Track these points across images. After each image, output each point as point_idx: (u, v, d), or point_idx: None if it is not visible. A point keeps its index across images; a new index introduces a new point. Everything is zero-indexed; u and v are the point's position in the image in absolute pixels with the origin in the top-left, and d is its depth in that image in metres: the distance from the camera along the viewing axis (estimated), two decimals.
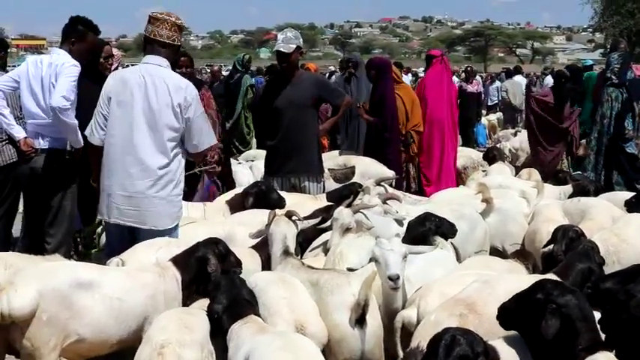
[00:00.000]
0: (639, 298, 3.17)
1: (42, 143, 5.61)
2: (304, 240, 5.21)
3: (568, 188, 7.32)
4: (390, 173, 7.39)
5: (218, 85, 13.44)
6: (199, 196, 6.75)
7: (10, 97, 5.78)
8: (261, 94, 7.33)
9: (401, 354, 3.79)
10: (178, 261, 4.06)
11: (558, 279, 3.68)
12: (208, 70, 23.82)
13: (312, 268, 4.27)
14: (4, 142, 6.09)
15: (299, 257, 4.73)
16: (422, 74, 13.86)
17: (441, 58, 9.15)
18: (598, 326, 3.16)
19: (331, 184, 7.09)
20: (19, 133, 5.64)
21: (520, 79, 18.67)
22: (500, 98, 18.85)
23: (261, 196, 5.96)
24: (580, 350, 2.99)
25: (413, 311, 3.85)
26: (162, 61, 4.79)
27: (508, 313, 3.25)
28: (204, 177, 6.91)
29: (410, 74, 23.59)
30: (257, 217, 5.23)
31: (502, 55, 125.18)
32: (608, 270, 4.26)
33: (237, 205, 5.98)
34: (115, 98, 4.71)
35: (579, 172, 8.97)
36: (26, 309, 3.44)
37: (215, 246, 4.14)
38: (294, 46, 6.56)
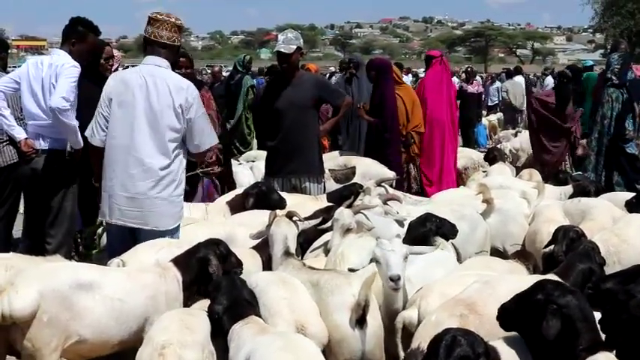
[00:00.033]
0: (639, 299, 3.17)
1: (42, 144, 5.63)
2: (305, 241, 5.20)
3: (568, 189, 7.31)
4: (391, 174, 7.40)
5: (219, 86, 13.45)
6: (199, 197, 6.75)
7: (10, 98, 5.79)
8: (262, 94, 7.32)
9: (402, 354, 3.79)
10: (179, 262, 4.07)
11: (559, 279, 3.68)
12: (209, 71, 23.82)
13: (313, 268, 4.27)
14: (4, 143, 6.09)
15: (300, 258, 4.73)
16: (422, 75, 13.85)
17: (440, 58, 9.15)
18: (598, 326, 3.17)
19: (332, 185, 7.09)
20: (19, 134, 5.65)
21: (521, 80, 18.67)
22: (500, 99, 18.86)
23: (262, 197, 5.96)
24: (580, 351, 2.99)
25: (414, 312, 3.85)
26: (162, 62, 4.80)
27: (508, 314, 3.24)
28: (203, 177, 6.91)
29: (410, 75, 23.60)
30: (258, 218, 5.24)
31: (502, 55, 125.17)
32: (608, 270, 4.26)
33: (237, 206, 5.98)
34: (116, 99, 4.72)
35: (580, 173, 8.97)
36: (27, 310, 3.45)
37: (216, 247, 4.14)
38: (295, 47, 6.56)
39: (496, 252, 5.88)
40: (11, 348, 3.62)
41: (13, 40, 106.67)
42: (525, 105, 16.83)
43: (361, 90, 9.17)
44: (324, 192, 6.70)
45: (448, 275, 4.31)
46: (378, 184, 6.47)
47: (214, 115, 6.97)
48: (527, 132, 12.75)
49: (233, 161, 8.47)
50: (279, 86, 6.79)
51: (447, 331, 2.97)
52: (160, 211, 4.72)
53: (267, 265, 4.57)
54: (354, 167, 7.56)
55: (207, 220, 5.71)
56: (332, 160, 7.83)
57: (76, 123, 5.47)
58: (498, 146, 12.09)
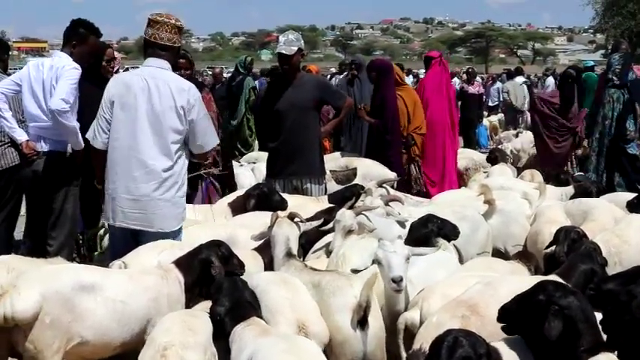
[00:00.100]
0: None
1: (44, 146, 5.63)
2: (307, 242, 5.21)
3: (570, 189, 7.31)
4: (392, 175, 7.40)
5: (220, 88, 13.45)
6: (199, 198, 6.75)
7: (12, 101, 5.80)
8: (263, 96, 7.33)
9: (404, 356, 3.80)
10: (181, 263, 4.07)
11: (561, 280, 3.68)
12: (210, 73, 23.84)
13: (315, 269, 4.27)
14: (6, 145, 6.10)
15: (301, 259, 4.73)
16: (423, 76, 13.85)
17: (439, 59, 9.16)
18: (600, 327, 3.17)
19: (333, 186, 7.09)
20: (21, 136, 5.66)
21: (521, 80, 18.65)
22: (501, 99, 18.85)
23: (263, 198, 5.96)
24: (582, 351, 3.00)
25: (416, 313, 3.85)
26: (163, 64, 4.81)
27: (509, 315, 3.25)
28: (203, 179, 6.90)
29: (411, 76, 23.59)
30: (259, 219, 5.24)
31: (503, 56, 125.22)
32: (610, 271, 4.27)
33: (239, 208, 5.98)
34: (118, 102, 4.72)
35: (581, 174, 8.97)
36: (29, 312, 3.44)
37: (218, 248, 4.14)
38: (296, 48, 6.56)
39: (498, 253, 5.88)
40: (13, 350, 3.62)
41: (14, 42, 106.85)
42: (527, 106, 16.92)
43: (363, 91, 9.18)
44: (325, 193, 6.70)
45: (450, 276, 4.32)
46: (380, 185, 6.48)
47: (215, 116, 6.98)
48: (528, 133, 12.77)
49: (234, 163, 8.48)
50: (280, 87, 6.79)
51: (448, 332, 2.98)
52: (164, 213, 4.72)
53: (269, 267, 4.57)
54: (355, 168, 7.56)
55: (209, 222, 5.71)
56: (333, 161, 7.84)
57: (76, 124, 5.48)
58: (499, 147, 12.09)
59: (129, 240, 4.72)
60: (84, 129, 5.22)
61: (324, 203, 6.11)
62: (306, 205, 5.95)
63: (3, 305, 3.42)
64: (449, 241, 4.99)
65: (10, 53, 7.40)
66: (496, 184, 7.15)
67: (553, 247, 5.04)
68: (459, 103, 16.03)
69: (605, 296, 3.43)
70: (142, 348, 3.43)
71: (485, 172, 9.05)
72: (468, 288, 3.74)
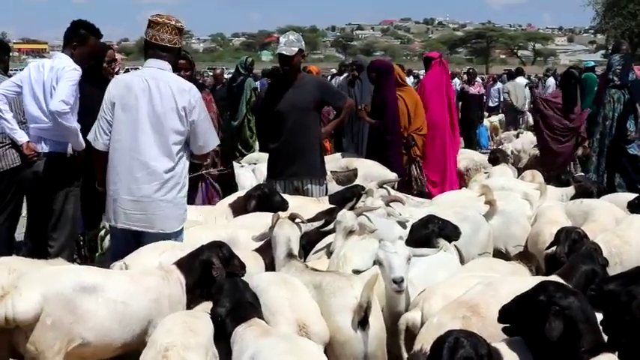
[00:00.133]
0: None
1: (44, 147, 5.64)
2: (307, 243, 5.20)
3: (570, 190, 7.31)
4: (393, 176, 7.40)
5: (221, 89, 13.45)
6: (200, 199, 6.75)
7: (13, 102, 5.81)
8: (264, 97, 7.33)
9: (405, 356, 3.80)
10: (182, 264, 4.07)
11: (562, 281, 3.68)
12: (210, 74, 23.85)
13: (316, 270, 4.27)
14: (7, 147, 6.10)
15: (302, 260, 4.73)
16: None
17: (439, 59, 9.16)
18: (600, 328, 3.17)
19: (334, 187, 7.09)
20: (21, 137, 5.67)
21: (522, 81, 18.67)
22: (501, 100, 18.85)
23: (264, 199, 5.96)
24: (583, 352, 3.00)
25: (417, 314, 3.85)
26: (164, 65, 4.81)
27: (510, 315, 3.25)
28: (204, 180, 6.91)
29: (412, 76, 23.60)
30: (260, 220, 5.24)
31: (504, 56, 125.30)
32: (610, 271, 4.27)
33: (239, 208, 5.98)
34: (119, 103, 4.72)
35: (582, 174, 8.97)
36: (30, 313, 3.45)
37: (219, 249, 4.15)
38: (297, 49, 6.56)
39: (498, 253, 5.89)
40: (14, 351, 3.62)
41: (14, 43, 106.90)
42: (527, 106, 16.93)
43: (364, 92, 9.18)
44: (326, 194, 6.70)
45: (451, 277, 4.31)
46: (380, 186, 6.48)
47: (215, 117, 6.98)
48: (528, 133, 12.79)
49: (235, 163, 8.48)
50: (281, 88, 6.79)
51: (449, 332, 2.98)
52: (165, 214, 4.73)
53: (270, 268, 4.57)
54: (355, 169, 7.56)
55: (210, 223, 5.71)
56: (334, 161, 7.84)
57: (77, 125, 5.49)
58: (500, 147, 12.09)
59: (130, 241, 4.72)
60: (85, 130, 5.23)
61: (324, 204, 6.11)
62: (306, 205, 5.95)
63: (4, 306, 3.42)
64: (450, 241, 4.98)
65: (11, 54, 7.40)
66: (497, 185, 7.15)
67: (554, 248, 5.04)
68: (460, 103, 16.05)
69: (606, 297, 3.42)
70: (143, 349, 3.43)
71: (485, 173, 9.05)
72: (468, 289, 3.75)
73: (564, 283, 3.59)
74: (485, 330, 3.33)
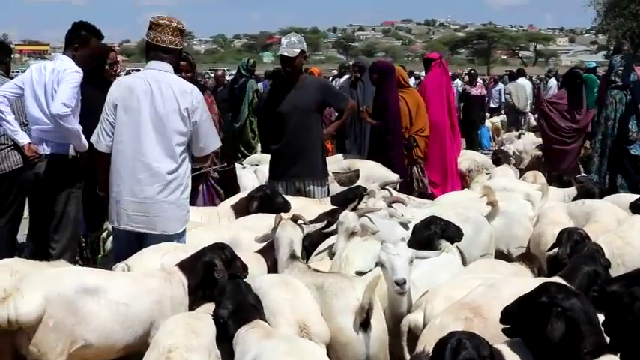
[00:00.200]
0: None
1: (46, 149, 5.64)
2: (310, 244, 5.20)
3: (572, 191, 7.31)
4: (395, 177, 7.40)
5: (222, 90, 13.46)
6: (201, 200, 6.75)
7: (15, 104, 5.81)
8: (265, 98, 7.33)
9: (408, 358, 3.79)
10: (185, 266, 4.07)
11: (564, 282, 3.68)
12: (212, 75, 23.87)
13: (318, 271, 4.27)
14: (9, 149, 6.11)
15: (305, 261, 4.73)
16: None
17: (439, 60, 9.16)
18: (602, 329, 3.17)
19: (336, 188, 7.09)
20: (23, 139, 5.67)
21: (524, 82, 18.65)
22: (503, 100, 18.84)
23: (266, 201, 5.96)
24: (585, 354, 3.00)
25: (419, 315, 3.85)
26: (166, 67, 4.81)
27: (512, 316, 3.25)
28: (204, 180, 6.90)
29: (413, 77, 23.59)
30: (262, 222, 5.25)
31: (505, 57, 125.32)
32: (612, 272, 4.27)
33: (241, 210, 5.98)
34: (122, 105, 4.72)
35: (584, 175, 8.96)
36: (33, 315, 3.45)
37: (221, 251, 4.15)
38: (298, 51, 6.56)
39: (500, 254, 5.88)
40: (17, 353, 3.62)
41: (16, 45, 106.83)
42: (529, 107, 16.92)
43: (366, 94, 9.17)
44: (328, 195, 6.70)
45: (453, 278, 4.31)
46: (382, 187, 6.48)
47: (216, 119, 6.98)
48: (530, 134, 12.78)
49: (237, 165, 8.48)
50: (283, 90, 6.79)
51: (452, 334, 2.98)
52: (168, 216, 4.73)
53: (273, 269, 4.58)
54: (357, 170, 7.56)
55: (213, 224, 5.71)
56: (336, 163, 7.84)
57: (78, 127, 5.49)
58: (502, 148, 12.08)
59: (133, 243, 4.72)
60: (87, 132, 5.23)
61: (326, 205, 6.11)
62: (308, 207, 5.94)
63: (7, 308, 3.42)
64: (452, 243, 4.98)
65: (13, 56, 7.40)
66: (499, 186, 7.14)
67: (556, 249, 5.04)
68: (462, 104, 16.05)
69: (608, 298, 3.43)
70: (145, 350, 3.44)
71: (487, 174, 9.04)
72: (471, 290, 3.75)
73: (566, 284, 3.59)
74: (487, 331, 3.33)
